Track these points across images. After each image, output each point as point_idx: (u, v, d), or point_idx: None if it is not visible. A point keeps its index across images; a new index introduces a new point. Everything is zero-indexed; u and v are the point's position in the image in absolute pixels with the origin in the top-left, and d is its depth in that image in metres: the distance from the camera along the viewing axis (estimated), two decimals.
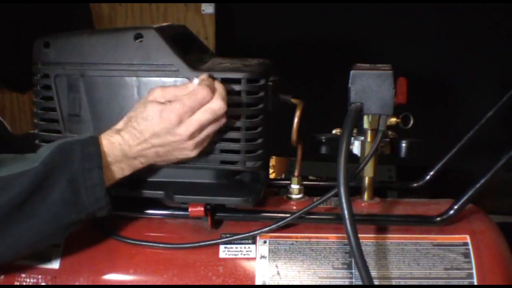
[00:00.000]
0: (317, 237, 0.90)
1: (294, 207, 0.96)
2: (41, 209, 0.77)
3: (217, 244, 0.90)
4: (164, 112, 0.82)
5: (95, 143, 0.80)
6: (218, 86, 0.84)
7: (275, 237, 0.91)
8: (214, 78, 0.86)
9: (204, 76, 0.85)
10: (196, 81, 0.84)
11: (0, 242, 0.77)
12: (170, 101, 0.83)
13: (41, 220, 0.77)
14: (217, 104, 0.83)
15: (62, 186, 0.77)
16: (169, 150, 0.84)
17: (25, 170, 0.77)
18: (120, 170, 0.83)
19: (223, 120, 0.85)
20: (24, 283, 0.89)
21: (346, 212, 0.77)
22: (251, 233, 0.90)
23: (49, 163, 0.77)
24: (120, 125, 0.84)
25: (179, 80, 0.87)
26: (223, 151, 0.89)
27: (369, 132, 0.91)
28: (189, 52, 0.93)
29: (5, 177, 0.76)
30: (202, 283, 0.88)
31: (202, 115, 0.83)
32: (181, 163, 0.88)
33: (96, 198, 0.80)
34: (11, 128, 1.11)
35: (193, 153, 0.86)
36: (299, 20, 2.21)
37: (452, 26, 2.10)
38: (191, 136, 0.83)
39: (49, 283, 0.89)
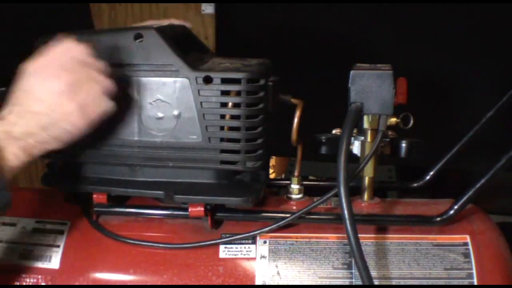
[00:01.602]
0: (317, 237, 0.90)
1: (294, 207, 0.96)
2: None
3: (217, 244, 0.91)
4: (37, 72, 0.78)
5: None
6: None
7: (275, 237, 0.91)
8: (213, 78, 0.86)
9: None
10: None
11: None
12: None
13: None
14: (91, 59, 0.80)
15: None
16: (54, 118, 0.77)
17: None
18: (13, 156, 0.75)
19: (102, 80, 0.81)
20: (24, 283, 0.90)
21: (346, 212, 0.77)
22: (251, 233, 0.90)
23: None
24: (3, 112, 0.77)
25: (179, 80, 0.87)
26: (223, 151, 0.89)
27: (369, 132, 0.91)
28: (189, 52, 0.93)
29: None
30: (202, 283, 0.88)
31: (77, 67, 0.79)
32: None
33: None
34: None
35: (79, 121, 0.78)
36: (299, 20, 2.21)
37: (452, 26, 2.09)
38: (69, 90, 0.77)
39: (49, 283, 0.89)
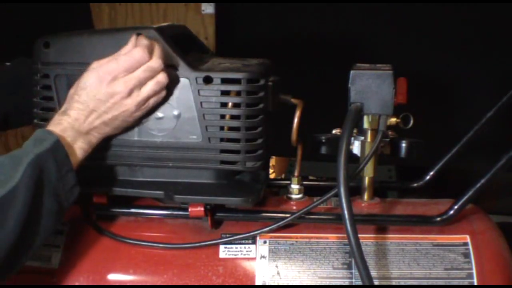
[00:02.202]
0: (317, 237, 0.90)
1: (294, 207, 0.96)
2: (34, 231, 0.77)
3: (217, 244, 0.91)
4: (99, 74, 0.83)
5: (60, 145, 0.80)
6: (156, 46, 0.85)
7: (275, 237, 0.91)
8: (213, 78, 0.86)
9: (141, 36, 0.85)
10: (132, 40, 0.85)
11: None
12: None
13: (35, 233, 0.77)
14: (155, 63, 0.84)
15: (49, 204, 0.78)
16: (114, 116, 0.84)
17: (7, 193, 0.74)
18: (81, 151, 0.83)
19: (163, 80, 0.85)
20: (24, 283, 0.89)
21: (346, 212, 0.77)
22: (251, 233, 0.90)
23: (30, 185, 0.75)
24: (64, 106, 0.85)
25: (179, 80, 0.87)
26: (223, 151, 0.89)
27: (369, 132, 0.91)
28: (189, 52, 0.93)
29: None
30: (202, 283, 0.88)
31: (140, 73, 0.84)
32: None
33: (72, 194, 0.81)
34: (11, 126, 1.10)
35: (137, 114, 0.86)
36: (299, 20, 2.21)
37: (452, 26, 2.09)
38: (130, 92, 0.83)
39: (49, 283, 0.89)
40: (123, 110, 0.85)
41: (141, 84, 0.84)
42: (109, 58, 0.84)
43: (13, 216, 0.73)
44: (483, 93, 1.80)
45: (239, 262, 0.89)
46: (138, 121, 0.88)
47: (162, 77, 0.85)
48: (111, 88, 0.83)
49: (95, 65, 0.84)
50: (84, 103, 0.83)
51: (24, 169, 0.75)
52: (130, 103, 0.84)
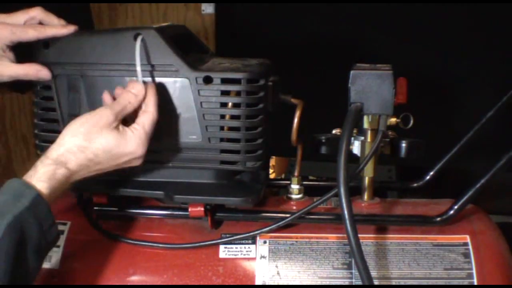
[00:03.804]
0: (317, 237, 0.90)
1: (294, 207, 0.96)
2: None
3: (217, 244, 0.91)
4: (123, 140, 0.81)
5: (40, 201, 0.74)
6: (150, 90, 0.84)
7: (275, 237, 0.91)
8: (213, 78, 0.86)
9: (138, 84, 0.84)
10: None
11: None
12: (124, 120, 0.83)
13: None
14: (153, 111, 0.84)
15: (32, 262, 0.73)
16: (118, 164, 0.83)
17: None
18: (61, 192, 0.79)
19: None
20: None
21: (346, 212, 0.77)
22: (251, 233, 0.90)
23: (10, 248, 0.70)
24: (67, 156, 0.79)
25: (178, 80, 0.87)
26: (223, 151, 0.89)
27: (369, 132, 0.91)
28: (189, 52, 0.93)
29: None
30: (202, 283, 0.88)
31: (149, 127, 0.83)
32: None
33: (51, 235, 0.77)
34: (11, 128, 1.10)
35: (140, 162, 0.84)
36: (299, 20, 2.21)
37: (452, 26, 2.09)
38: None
39: (49, 283, 0.89)
40: (130, 161, 0.83)
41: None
42: (121, 109, 0.82)
43: None
44: (483, 93, 1.80)
45: (239, 262, 0.89)
46: None
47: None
48: (133, 153, 0.82)
49: (112, 119, 0.81)
50: (98, 163, 0.81)
51: (2, 233, 0.70)
52: (140, 159, 0.84)
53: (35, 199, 0.73)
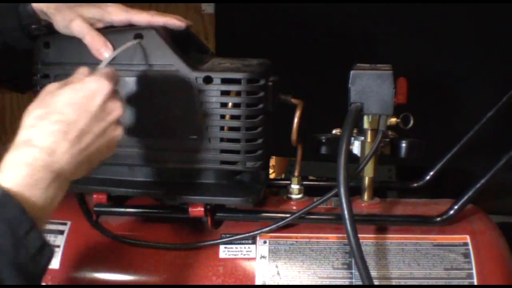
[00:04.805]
0: (317, 237, 0.90)
1: (294, 207, 0.96)
2: None
3: (217, 244, 0.91)
4: (82, 84, 0.69)
5: (8, 200, 0.59)
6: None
7: (275, 237, 0.91)
8: (213, 78, 0.86)
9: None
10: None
11: None
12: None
13: None
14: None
15: (10, 278, 0.58)
16: (97, 118, 0.69)
17: None
18: (50, 202, 0.65)
19: (118, 129, 0.75)
20: None
21: (346, 212, 0.77)
22: (251, 233, 0.90)
23: None
24: (29, 132, 0.64)
25: (178, 80, 0.87)
26: (223, 151, 0.89)
27: (369, 132, 0.91)
28: (189, 52, 0.93)
29: None
30: (202, 283, 0.88)
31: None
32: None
33: (43, 257, 0.62)
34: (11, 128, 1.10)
35: (120, 110, 0.72)
36: (299, 20, 2.21)
37: (452, 26, 2.09)
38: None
39: (49, 283, 0.89)
40: (111, 133, 0.72)
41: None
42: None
43: None
44: (483, 93, 1.80)
45: (239, 262, 0.89)
46: None
47: None
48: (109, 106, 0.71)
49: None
50: (68, 123, 0.65)
51: None
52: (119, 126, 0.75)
53: (1, 199, 0.58)
